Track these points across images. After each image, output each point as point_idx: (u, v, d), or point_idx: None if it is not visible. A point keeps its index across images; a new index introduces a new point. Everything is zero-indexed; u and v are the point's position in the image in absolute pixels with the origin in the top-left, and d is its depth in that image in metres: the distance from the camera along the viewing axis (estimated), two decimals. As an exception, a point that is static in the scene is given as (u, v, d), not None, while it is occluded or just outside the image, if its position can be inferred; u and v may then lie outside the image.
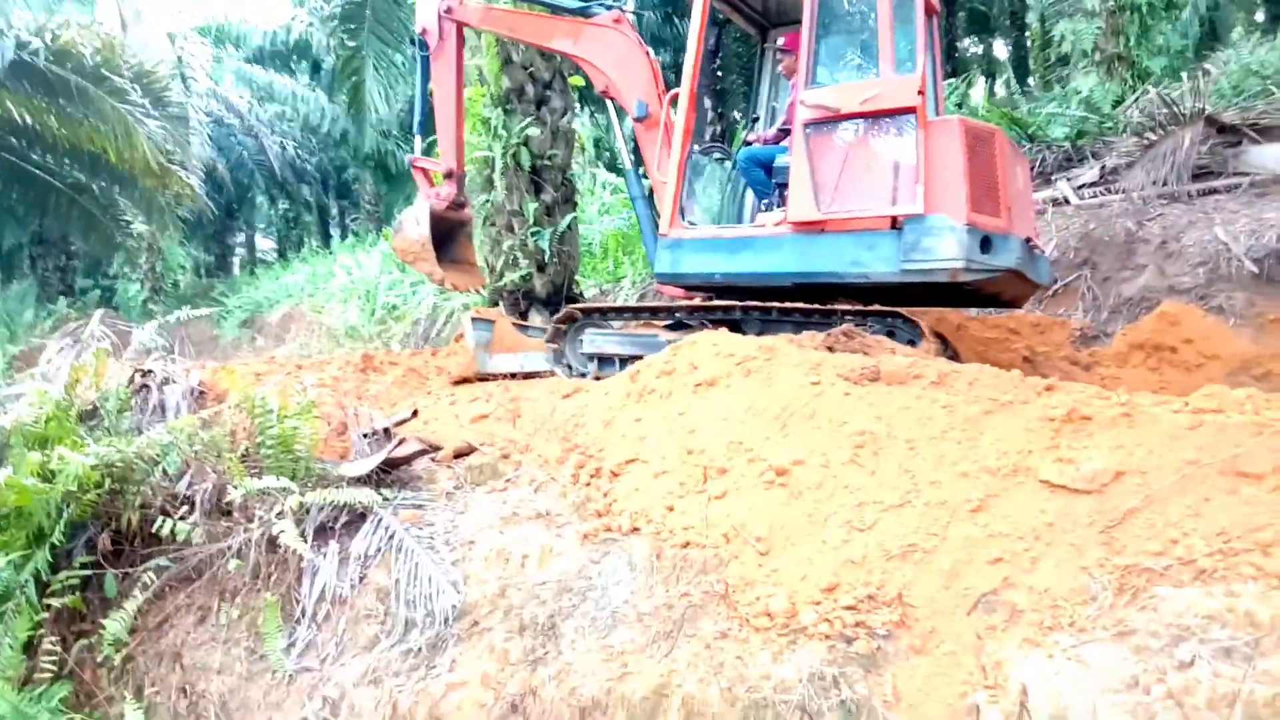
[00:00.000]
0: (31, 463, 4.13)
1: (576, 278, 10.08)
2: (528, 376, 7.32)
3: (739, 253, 6.65)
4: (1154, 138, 9.45)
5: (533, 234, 9.40)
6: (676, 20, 20.29)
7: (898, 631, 2.96)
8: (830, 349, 5.34)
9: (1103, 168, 9.81)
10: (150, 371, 5.50)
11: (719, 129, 18.36)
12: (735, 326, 6.43)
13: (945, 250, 5.75)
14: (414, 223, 8.18)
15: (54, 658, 4.04)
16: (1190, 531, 2.84)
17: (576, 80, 9.63)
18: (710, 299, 7.19)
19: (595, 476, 4.24)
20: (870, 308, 6.43)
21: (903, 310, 6.33)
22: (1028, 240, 6.23)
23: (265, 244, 40.60)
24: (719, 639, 3.14)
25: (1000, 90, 24.95)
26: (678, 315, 7.18)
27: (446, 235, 8.34)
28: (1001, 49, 29.54)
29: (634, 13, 9.89)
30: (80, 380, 5.07)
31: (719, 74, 19.34)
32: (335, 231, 34.82)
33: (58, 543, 4.19)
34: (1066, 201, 9.53)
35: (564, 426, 4.97)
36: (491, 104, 9.29)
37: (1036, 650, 2.70)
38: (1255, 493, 2.89)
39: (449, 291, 11.24)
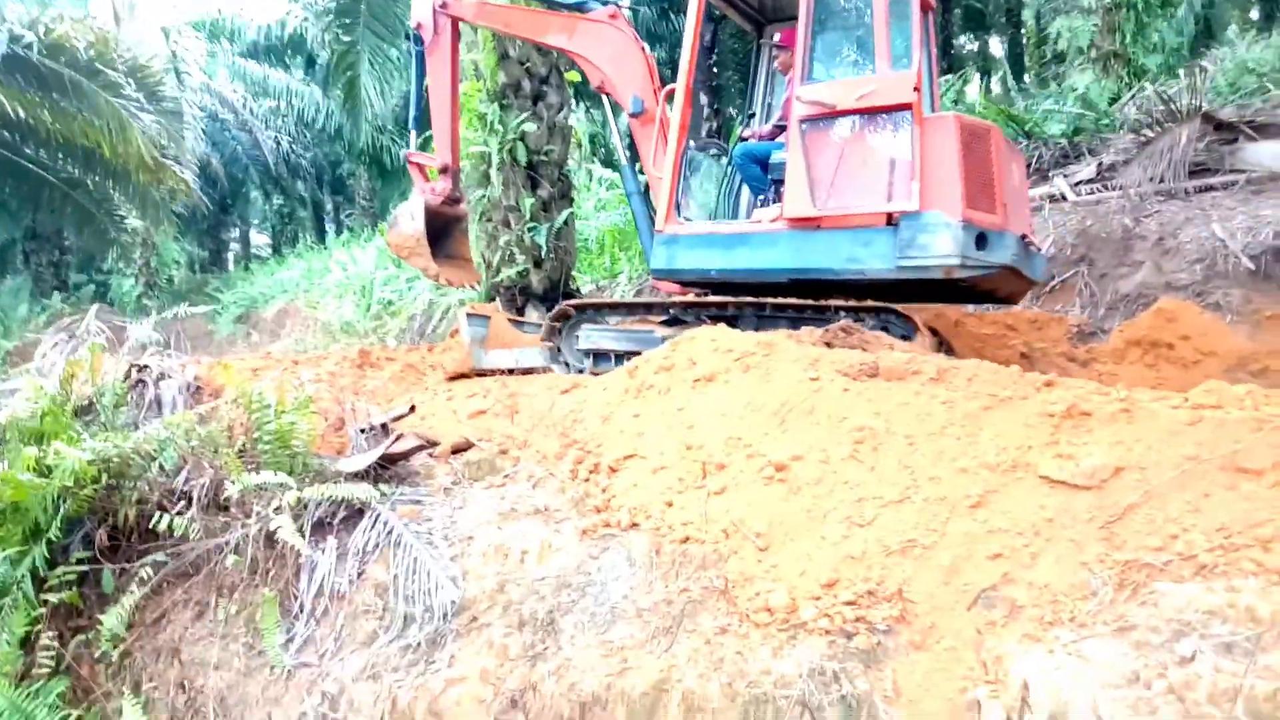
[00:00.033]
0: (27, 458, 4.11)
1: (573, 273, 10.07)
2: (526, 372, 7.32)
3: (735, 249, 6.64)
4: (1151, 135, 9.47)
5: (529, 229, 9.38)
6: (672, 16, 20.26)
7: (898, 627, 2.96)
8: (829, 345, 5.34)
9: (1100, 165, 9.83)
10: (146, 367, 5.48)
11: (715, 125, 18.36)
12: (729, 322, 6.43)
13: (941, 247, 5.75)
14: (409, 218, 8.17)
15: (51, 653, 4.03)
16: (1190, 527, 2.84)
17: (573, 75, 9.61)
18: (705, 295, 7.18)
19: (594, 472, 4.23)
20: (864, 303, 6.43)
21: (897, 305, 6.34)
22: (1023, 237, 6.24)
23: (259, 239, 40.55)
24: (719, 634, 3.14)
25: (996, 87, 24.95)
26: (672, 311, 7.18)
27: (441, 230, 8.33)
28: (997, 46, 29.58)
29: (630, 8, 9.90)
30: (76, 375, 5.05)
31: (715, 70, 19.30)
32: (330, 227, 34.74)
33: (54, 538, 4.17)
34: (1064, 198, 9.54)
35: (562, 422, 4.96)
36: (488, 99, 9.27)
37: (1037, 646, 2.70)
38: (1255, 488, 2.90)
39: (445, 287, 11.24)
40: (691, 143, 7.32)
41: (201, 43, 25.98)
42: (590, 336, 7.34)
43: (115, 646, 4.10)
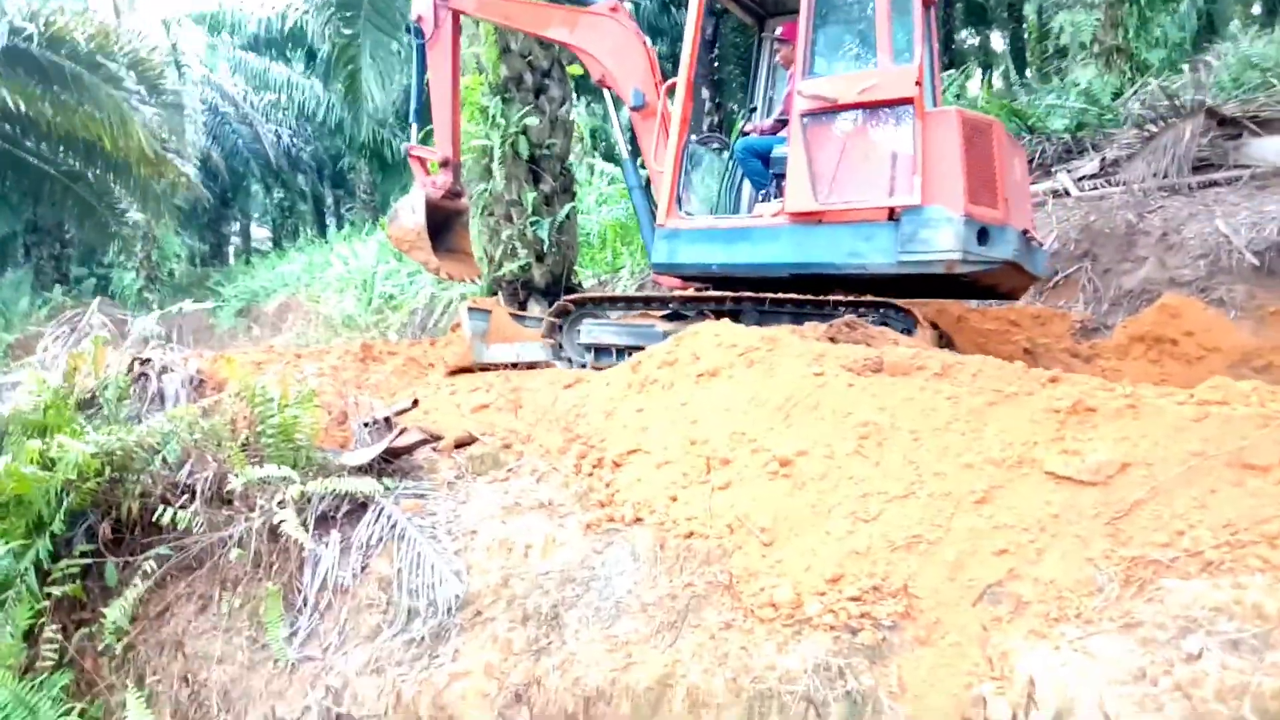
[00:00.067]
0: (31, 450, 4.11)
1: (575, 268, 10.05)
2: (529, 366, 7.32)
3: (736, 243, 6.63)
4: (1154, 130, 9.46)
5: (531, 224, 9.36)
6: (674, 9, 20.22)
7: (903, 623, 2.96)
8: (833, 340, 5.33)
9: (1103, 160, 9.81)
10: (149, 360, 5.48)
11: (716, 119, 18.30)
12: (731, 317, 6.41)
13: (942, 242, 5.73)
14: (409, 211, 8.16)
15: (55, 646, 4.04)
16: (1197, 523, 2.84)
17: (574, 69, 9.58)
18: (705, 289, 7.17)
19: (597, 467, 4.23)
20: (864, 298, 6.42)
21: (897, 300, 6.33)
22: (1025, 232, 6.23)
23: (260, 233, 40.53)
24: (723, 630, 3.14)
25: (997, 82, 24.92)
26: (672, 305, 7.17)
27: (442, 224, 8.31)
28: (998, 41, 29.53)
29: (631, 1, 9.86)
30: (79, 368, 5.05)
31: (716, 64, 19.26)
32: (331, 221, 34.74)
33: (58, 531, 4.18)
34: (1067, 193, 9.53)
35: (565, 417, 4.95)
36: (490, 92, 9.24)
37: (1043, 642, 2.70)
38: (1262, 485, 2.89)
39: (446, 281, 11.24)
40: (693, 137, 7.31)
41: (202, 35, 25.98)
42: (591, 331, 7.34)
43: (119, 640, 4.10)
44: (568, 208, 9.62)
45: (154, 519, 4.18)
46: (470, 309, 7.62)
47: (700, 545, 3.50)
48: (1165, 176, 8.77)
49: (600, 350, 7.30)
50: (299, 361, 6.85)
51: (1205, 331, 6.99)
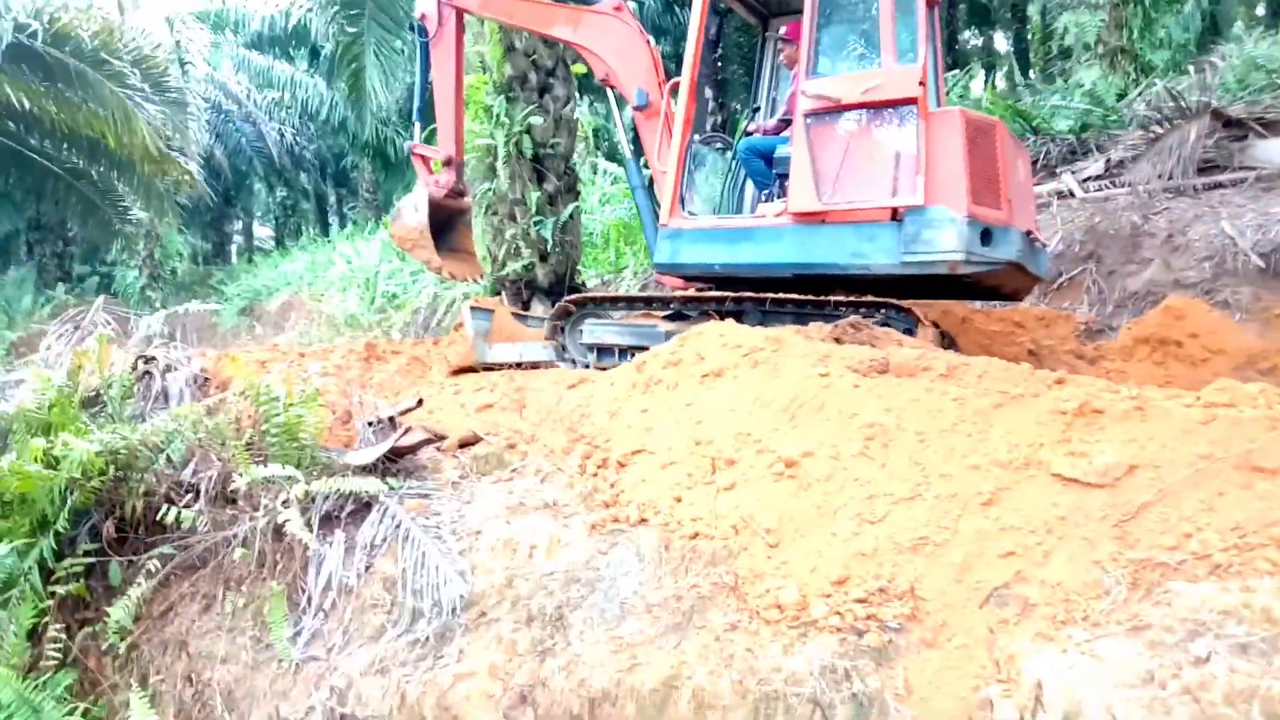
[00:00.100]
0: (35, 449, 4.11)
1: (578, 267, 10.05)
2: (533, 366, 7.31)
3: (739, 243, 6.62)
4: (1159, 131, 9.44)
5: (535, 223, 9.36)
6: (677, 9, 20.21)
7: (909, 624, 2.95)
8: (838, 341, 5.32)
9: (1108, 161, 9.79)
10: (153, 358, 5.48)
11: (720, 119, 18.31)
12: (732, 317, 6.40)
13: (945, 242, 5.72)
14: (412, 210, 8.15)
15: (58, 645, 4.03)
16: (1204, 526, 2.83)
17: (578, 68, 9.57)
18: (707, 289, 7.16)
19: (602, 467, 4.22)
20: (865, 298, 6.41)
21: (899, 300, 6.32)
22: (1028, 233, 6.21)
23: (263, 232, 40.55)
24: (729, 631, 3.13)
25: (1001, 83, 24.89)
26: (674, 306, 7.16)
27: (445, 223, 8.30)
28: (1001, 41, 29.52)
29: (635, 0, 9.85)
30: (83, 367, 5.05)
31: (720, 63, 19.27)
32: (334, 219, 34.75)
33: (62, 529, 4.18)
34: (1071, 195, 9.51)
35: (570, 417, 4.94)
36: (494, 91, 9.25)
37: (1050, 644, 2.69)
38: (1270, 488, 2.88)
39: (449, 280, 11.24)
40: (696, 137, 7.29)
41: (205, 33, 25.96)
42: (594, 331, 7.33)
43: (122, 639, 4.10)
44: (571, 207, 9.62)
45: (158, 518, 4.18)
46: (473, 308, 7.62)
47: (705, 546, 3.49)
48: (1170, 178, 8.75)
49: (603, 350, 7.29)
50: (303, 360, 6.84)
51: (1210, 334, 6.96)
